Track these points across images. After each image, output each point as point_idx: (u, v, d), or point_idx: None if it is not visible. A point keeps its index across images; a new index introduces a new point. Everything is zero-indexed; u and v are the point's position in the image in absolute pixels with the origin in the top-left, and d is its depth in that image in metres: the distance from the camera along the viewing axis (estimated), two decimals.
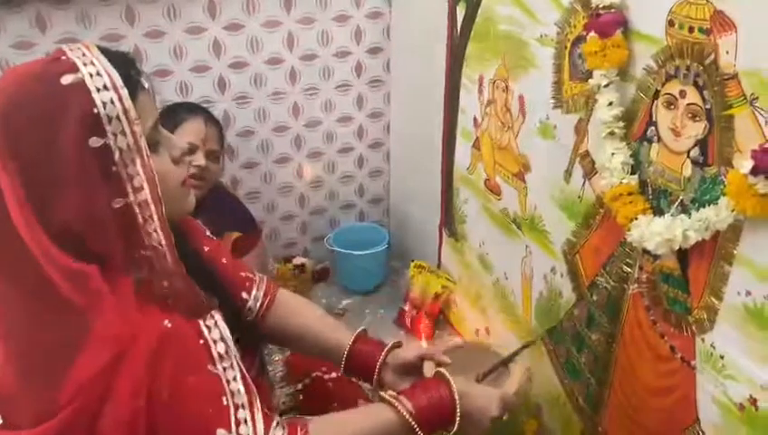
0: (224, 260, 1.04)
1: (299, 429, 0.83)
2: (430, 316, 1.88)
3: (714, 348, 0.94)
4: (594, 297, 1.21)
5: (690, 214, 0.90)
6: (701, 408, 0.99)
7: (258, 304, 1.07)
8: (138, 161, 0.72)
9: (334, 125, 2.10)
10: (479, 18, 1.46)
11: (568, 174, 1.22)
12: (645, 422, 1.12)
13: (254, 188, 2.10)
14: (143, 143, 0.72)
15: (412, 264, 1.98)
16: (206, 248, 1.00)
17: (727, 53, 0.82)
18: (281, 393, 1.18)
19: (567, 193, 1.24)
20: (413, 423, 0.90)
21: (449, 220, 1.83)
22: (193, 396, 0.74)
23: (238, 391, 0.77)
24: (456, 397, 0.93)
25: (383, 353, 1.07)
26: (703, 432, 0.99)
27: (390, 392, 0.93)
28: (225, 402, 0.75)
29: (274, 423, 0.81)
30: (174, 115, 1.61)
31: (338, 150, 2.15)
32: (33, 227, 0.68)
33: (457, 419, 0.93)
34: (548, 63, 1.21)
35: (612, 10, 0.97)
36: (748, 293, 0.86)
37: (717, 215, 0.84)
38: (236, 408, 0.76)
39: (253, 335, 1.00)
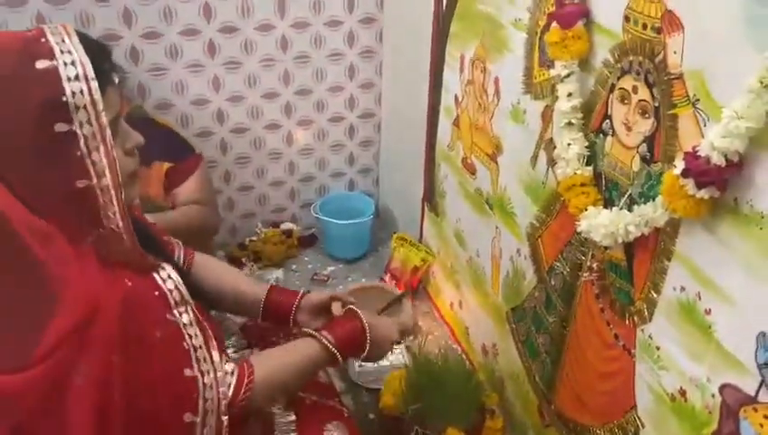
0: (151, 221, 1.11)
1: (245, 363, 0.96)
2: (408, 288, 1.92)
3: (651, 339, 0.97)
4: (552, 281, 1.24)
5: (634, 209, 0.92)
6: (638, 395, 1.02)
7: (181, 264, 1.14)
8: (101, 149, 0.76)
9: (325, 94, 2.11)
10: None
11: (534, 159, 1.24)
12: (591, 404, 1.16)
13: (243, 153, 2.12)
14: (107, 134, 0.76)
15: (394, 235, 2.01)
16: (136, 212, 1.04)
17: (675, 52, 0.82)
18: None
19: (533, 178, 1.25)
20: (335, 351, 1.04)
21: (431, 195, 1.85)
22: (160, 346, 0.82)
23: (195, 334, 0.86)
24: (366, 327, 1.09)
25: (297, 299, 1.19)
26: (639, 418, 1.03)
27: (313, 330, 1.07)
28: (186, 346, 0.85)
29: (224, 359, 0.92)
30: None
31: (329, 119, 2.16)
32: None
33: (368, 345, 1.09)
34: (521, 48, 1.22)
35: (575, 1, 0.98)
36: (683, 288, 0.89)
37: (654, 212, 0.85)
38: (195, 349, 0.86)
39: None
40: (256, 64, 1.97)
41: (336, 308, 1.17)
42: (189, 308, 0.87)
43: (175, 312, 0.85)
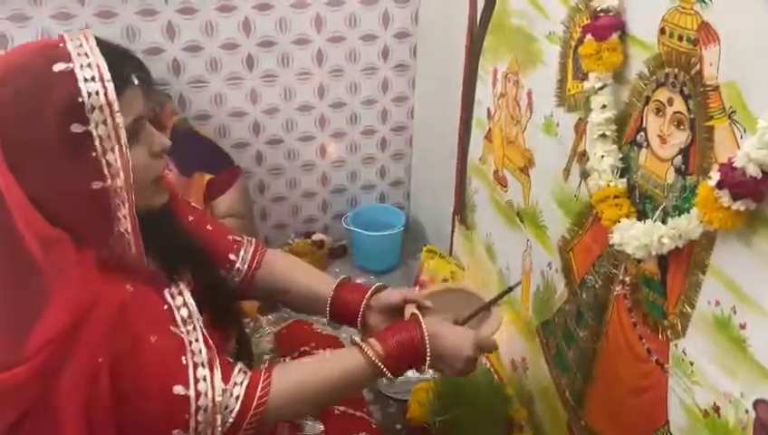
0: (209, 227, 1.09)
1: (262, 373, 0.88)
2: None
3: (685, 354, 0.96)
4: (583, 295, 1.23)
5: (668, 221, 0.91)
6: (671, 411, 1.00)
7: (246, 265, 1.11)
8: (116, 150, 0.76)
9: (359, 107, 2.14)
10: (496, 10, 1.47)
11: (567, 172, 1.23)
12: (622, 419, 1.15)
13: (277, 164, 2.16)
14: (122, 134, 0.77)
15: (424, 248, 2.01)
16: (191, 218, 1.04)
17: (711, 64, 0.82)
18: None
19: (565, 191, 1.25)
20: (380, 365, 0.92)
21: (461, 208, 1.85)
22: (154, 353, 0.79)
23: (200, 350, 0.82)
24: (426, 337, 0.95)
25: (366, 297, 1.09)
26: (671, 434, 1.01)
27: (360, 337, 0.97)
28: (184, 362, 0.81)
29: (236, 370, 0.86)
30: None
31: (361, 132, 2.19)
32: (14, 188, 0.74)
33: (427, 358, 0.95)
34: (555, 61, 1.22)
35: (610, 13, 0.98)
36: (717, 302, 0.87)
37: (689, 224, 0.85)
38: (196, 366, 0.81)
39: (231, 311, 1.03)
40: (292, 78, 2.02)
41: (408, 312, 1.04)
42: (197, 326, 0.84)
43: (181, 329, 0.82)
